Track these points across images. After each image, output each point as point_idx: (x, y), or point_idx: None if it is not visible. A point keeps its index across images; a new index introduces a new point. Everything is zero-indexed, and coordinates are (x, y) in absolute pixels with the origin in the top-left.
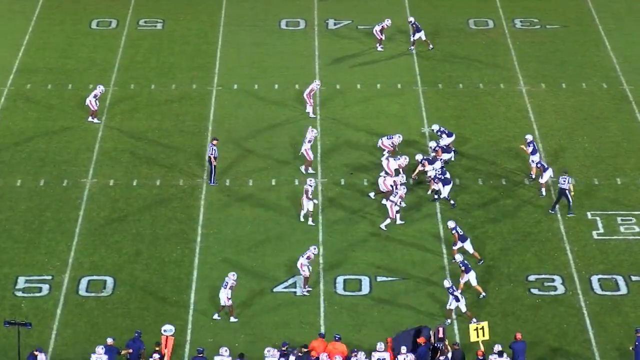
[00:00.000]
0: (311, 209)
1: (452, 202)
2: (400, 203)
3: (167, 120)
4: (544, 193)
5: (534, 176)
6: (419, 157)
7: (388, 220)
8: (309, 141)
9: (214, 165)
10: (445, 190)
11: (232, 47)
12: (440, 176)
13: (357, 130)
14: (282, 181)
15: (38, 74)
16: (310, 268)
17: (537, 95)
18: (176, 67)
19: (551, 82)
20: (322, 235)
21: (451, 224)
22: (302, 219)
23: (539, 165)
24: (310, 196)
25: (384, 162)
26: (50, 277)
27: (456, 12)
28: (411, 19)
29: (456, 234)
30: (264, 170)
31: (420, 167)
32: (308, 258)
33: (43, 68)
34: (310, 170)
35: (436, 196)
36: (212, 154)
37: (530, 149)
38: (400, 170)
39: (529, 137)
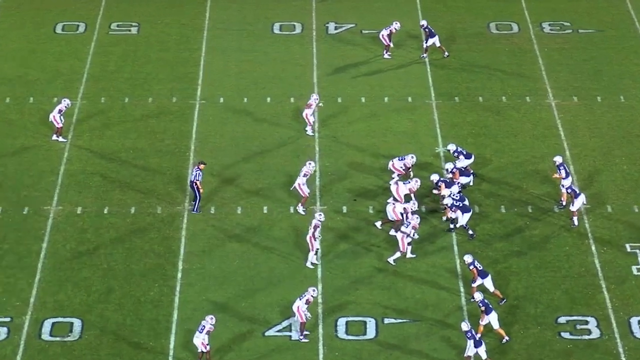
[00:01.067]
0: (318, 246)
1: (470, 232)
2: (413, 235)
3: (143, 139)
4: (576, 223)
5: (564, 203)
6: (434, 177)
7: (398, 254)
8: (305, 175)
9: (199, 192)
10: (463, 219)
11: (217, 55)
12: (457, 203)
13: (361, 150)
14: (275, 209)
15: None
16: (309, 313)
17: (569, 109)
18: (153, 78)
19: (584, 94)
20: (322, 271)
21: (468, 258)
22: (309, 265)
23: (569, 190)
24: (318, 235)
25: (393, 188)
26: (8, 319)
27: (475, 15)
28: (423, 22)
29: (475, 269)
30: (255, 196)
31: (435, 191)
32: (307, 302)
33: (0, 78)
34: (302, 210)
35: (452, 225)
36: (196, 179)
37: (562, 174)
38: (412, 195)
39: (559, 160)
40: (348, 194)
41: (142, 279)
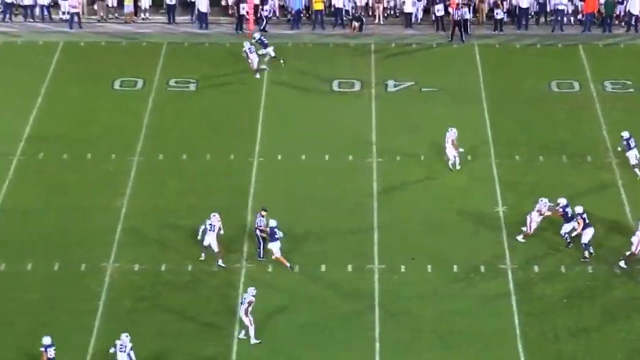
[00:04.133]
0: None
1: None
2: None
3: (200, 196)
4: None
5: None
6: (579, 209)
7: None
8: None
9: (263, 238)
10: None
11: (276, 111)
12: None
13: (418, 207)
14: (334, 266)
15: (52, 141)
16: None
17: (630, 169)
18: (211, 135)
19: None
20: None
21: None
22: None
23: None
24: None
25: None
26: None
27: (536, 73)
28: (256, 34)
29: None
30: (312, 254)
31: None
32: (250, 304)
33: (57, 135)
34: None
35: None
36: (259, 226)
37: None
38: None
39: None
40: (407, 252)
41: (198, 337)
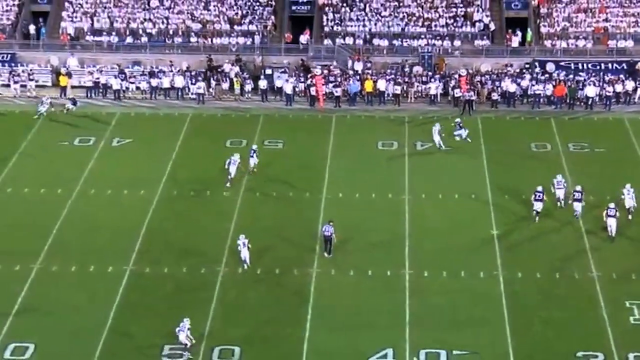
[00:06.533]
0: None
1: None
2: None
3: (283, 220)
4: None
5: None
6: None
7: None
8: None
9: (333, 241)
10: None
11: (338, 163)
12: None
13: (436, 232)
14: (377, 271)
15: (182, 183)
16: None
17: (587, 203)
18: (293, 179)
19: (598, 195)
20: (410, 316)
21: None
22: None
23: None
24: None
25: None
26: (188, 346)
27: (520, 136)
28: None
29: None
30: (359, 267)
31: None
32: (247, 244)
33: (186, 178)
34: None
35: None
36: (328, 233)
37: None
38: None
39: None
40: (429, 262)
41: (279, 322)
